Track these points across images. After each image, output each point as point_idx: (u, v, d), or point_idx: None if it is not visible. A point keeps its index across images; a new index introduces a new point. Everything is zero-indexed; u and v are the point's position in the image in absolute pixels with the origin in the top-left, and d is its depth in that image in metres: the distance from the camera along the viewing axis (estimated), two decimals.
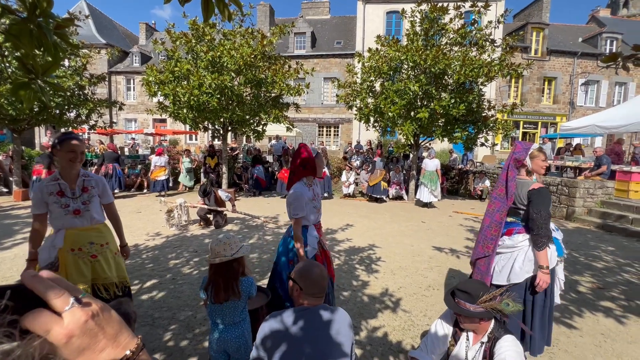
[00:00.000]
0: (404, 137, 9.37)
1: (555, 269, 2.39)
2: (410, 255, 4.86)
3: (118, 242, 2.49)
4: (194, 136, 22.12)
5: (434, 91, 8.68)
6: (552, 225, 2.34)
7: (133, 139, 19.40)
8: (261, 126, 10.02)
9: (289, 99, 10.39)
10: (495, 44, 8.68)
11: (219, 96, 8.13)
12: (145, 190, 10.38)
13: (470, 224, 7.13)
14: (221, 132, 9.86)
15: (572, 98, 19.75)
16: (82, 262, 2.14)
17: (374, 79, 9.57)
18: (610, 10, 25.84)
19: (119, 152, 12.05)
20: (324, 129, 21.13)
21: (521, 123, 19.86)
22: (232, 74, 8.30)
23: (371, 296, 3.45)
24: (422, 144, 10.56)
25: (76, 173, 2.18)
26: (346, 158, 13.06)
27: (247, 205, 8.42)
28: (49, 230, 2.23)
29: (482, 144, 9.49)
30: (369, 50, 9.57)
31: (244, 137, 14.25)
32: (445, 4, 8.63)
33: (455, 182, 12.31)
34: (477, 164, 14.10)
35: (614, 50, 19.56)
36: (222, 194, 6.53)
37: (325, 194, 10.21)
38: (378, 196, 9.86)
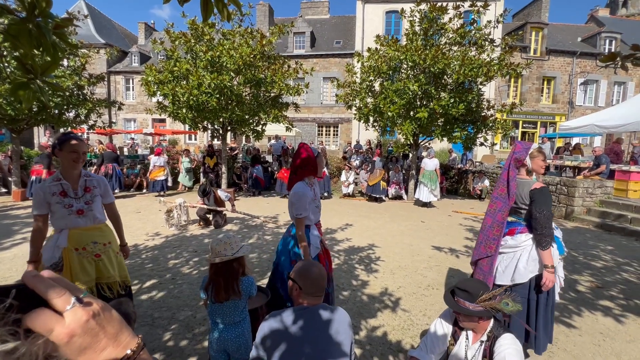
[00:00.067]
0: (404, 136, 9.38)
1: (556, 267, 2.40)
2: (410, 254, 4.87)
3: (118, 242, 2.49)
4: (193, 136, 22.10)
5: (433, 91, 8.69)
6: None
7: (132, 138, 19.37)
8: (260, 126, 10.01)
9: (288, 99, 10.39)
10: (494, 44, 8.69)
11: (218, 96, 8.12)
12: (144, 190, 10.37)
13: (470, 223, 7.14)
14: (220, 132, 9.86)
15: (571, 97, 19.78)
16: (86, 262, 2.15)
17: (373, 78, 9.57)
18: (609, 9, 25.90)
19: (118, 152, 12.04)
20: (324, 128, 21.13)
21: (520, 123, 19.89)
22: (232, 73, 8.29)
23: (371, 296, 3.46)
24: (422, 143, 10.56)
25: (78, 173, 2.19)
26: (345, 158, 13.07)
27: (247, 205, 8.42)
28: (49, 231, 2.23)
29: (482, 144, 9.51)
30: (369, 50, 9.57)
31: (244, 137, 14.25)
32: (444, 4, 8.63)
33: (455, 182, 12.32)
34: (477, 163, 14.11)
35: (612, 50, 19.58)
36: (221, 193, 6.52)
37: (325, 194, 10.23)
38: (377, 196, 9.87)
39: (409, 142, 10.03)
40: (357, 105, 9.88)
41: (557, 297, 2.52)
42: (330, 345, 1.33)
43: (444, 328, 1.80)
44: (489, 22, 8.43)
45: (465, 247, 5.28)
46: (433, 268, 4.33)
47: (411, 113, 9.06)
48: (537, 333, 2.27)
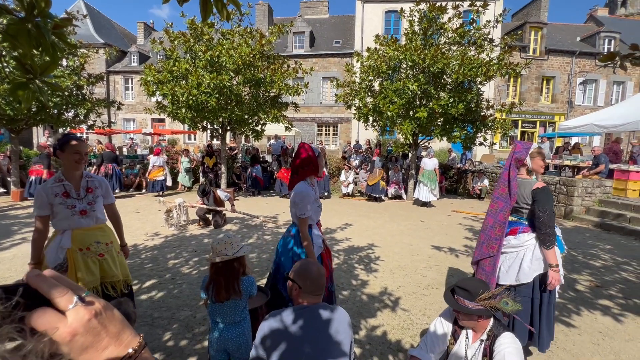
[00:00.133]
0: (403, 136, 9.38)
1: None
2: (409, 254, 4.87)
3: (118, 242, 2.50)
4: (192, 136, 22.09)
5: (432, 90, 8.69)
6: None
7: (131, 138, 19.34)
8: (260, 126, 10.01)
9: (287, 99, 10.38)
10: (493, 44, 8.70)
11: (217, 96, 8.12)
12: (143, 190, 10.36)
13: (469, 223, 7.15)
14: (220, 131, 9.85)
15: (570, 97, 19.81)
16: (90, 261, 2.17)
17: (372, 78, 9.57)
18: (608, 9, 25.95)
19: (117, 152, 12.03)
20: (323, 128, 21.13)
21: (520, 122, 19.92)
22: (231, 73, 8.28)
23: (370, 295, 3.46)
24: (421, 143, 10.57)
25: (80, 174, 2.21)
26: (345, 157, 13.07)
27: (246, 205, 8.42)
28: (49, 232, 2.23)
29: (481, 143, 9.52)
30: (368, 49, 9.57)
31: (243, 137, 14.24)
32: (443, 4, 8.63)
33: (454, 182, 12.33)
34: (476, 163, 14.12)
35: (612, 50, 19.55)
36: (221, 193, 6.52)
37: (326, 193, 10.24)
38: (377, 195, 9.87)
39: (408, 142, 10.03)
40: (357, 105, 9.88)
41: (557, 295, 2.54)
42: (330, 344, 1.33)
43: (444, 327, 1.80)
44: (488, 21, 8.44)
45: (464, 247, 5.29)
46: (432, 267, 4.34)
47: (410, 113, 9.07)
48: (541, 331, 2.29)
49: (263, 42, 8.55)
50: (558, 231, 2.57)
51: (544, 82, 19.99)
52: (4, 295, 0.37)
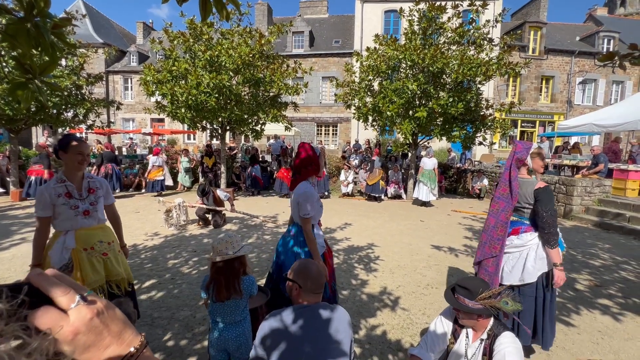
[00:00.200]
0: (403, 136, 9.38)
1: None
2: (409, 254, 4.87)
3: (118, 242, 2.50)
4: (192, 136, 22.07)
5: (432, 90, 8.70)
6: None
7: (131, 138, 19.32)
8: (259, 125, 10.00)
9: (287, 98, 10.38)
10: (493, 43, 8.70)
11: (217, 95, 8.11)
12: (143, 190, 10.35)
13: (469, 222, 7.15)
14: (219, 131, 9.84)
15: (569, 97, 19.82)
16: (95, 261, 2.19)
17: (372, 78, 9.57)
18: (607, 9, 25.97)
19: (117, 151, 12.02)
20: (323, 128, 21.12)
21: (519, 122, 19.93)
22: (230, 73, 8.27)
23: (370, 295, 3.46)
24: (421, 143, 10.58)
25: (82, 174, 2.22)
26: (345, 157, 13.07)
27: (246, 205, 8.42)
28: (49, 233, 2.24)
29: (480, 143, 9.52)
30: (367, 49, 9.56)
31: (242, 137, 14.23)
32: (443, 3, 8.63)
33: (454, 181, 12.34)
34: (475, 162, 14.13)
35: (611, 49, 19.62)
36: (220, 193, 6.52)
37: (326, 193, 10.24)
38: (376, 195, 9.88)
39: (408, 142, 10.04)
40: (356, 104, 9.88)
41: (556, 293, 2.56)
42: (330, 344, 1.33)
43: (444, 326, 1.80)
44: (488, 21, 8.44)
45: (464, 246, 5.30)
46: (432, 267, 4.34)
47: (410, 112, 9.07)
48: (544, 329, 2.31)
49: (262, 41, 8.55)
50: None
51: (543, 81, 20.01)
52: (10, 293, 0.37)
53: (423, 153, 9.98)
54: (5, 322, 0.35)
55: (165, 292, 3.38)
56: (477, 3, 8.15)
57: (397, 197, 10.40)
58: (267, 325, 1.36)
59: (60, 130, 10.11)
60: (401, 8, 9.65)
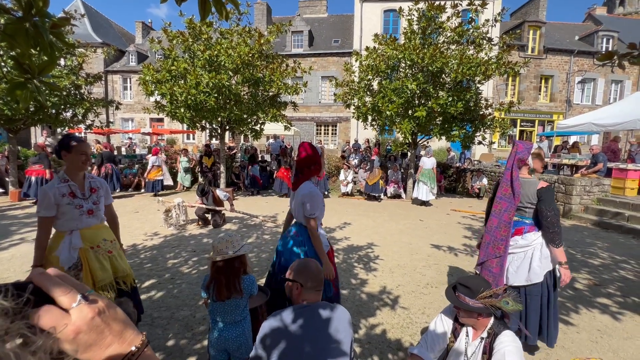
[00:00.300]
0: (402, 135, 9.38)
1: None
2: (409, 253, 4.88)
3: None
4: (191, 135, 22.04)
5: (431, 89, 8.70)
6: None
7: (130, 138, 19.29)
8: (259, 125, 9.99)
9: (286, 98, 10.37)
10: (492, 42, 8.70)
11: (216, 95, 8.10)
12: (142, 190, 10.34)
13: (468, 222, 7.16)
14: (219, 131, 9.83)
15: (568, 96, 19.84)
16: (102, 258, 2.22)
17: (371, 77, 9.57)
18: (606, 8, 25.99)
19: (116, 151, 12.00)
20: (322, 127, 21.12)
21: (518, 121, 19.95)
22: (230, 72, 8.26)
23: (370, 294, 3.47)
24: (420, 142, 10.58)
25: (83, 174, 2.24)
26: (344, 157, 13.07)
27: (246, 205, 8.41)
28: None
29: (480, 142, 9.53)
30: (367, 48, 9.56)
31: (242, 136, 14.21)
32: (442, 3, 8.63)
33: (453, 180, 12.35)
34: (475, 162, 14.14)
35: (610, 49, 19.66)
36: (220, 193, 6.51)
37: (325, 192, 10.24)
38: (376, 194, 9.88)
39: (407, 141, 10.04)
40: (356, 104, 9.88)
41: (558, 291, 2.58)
42: (330, 343, 1.33)
43: (444, 325, 1.81)
44: (487, 20, 8.44)
45: (463, 246, 5.30)
46: (432, 266, 4.34)
47: (409, 112, 9.06)
48: (549, 327, 2.34)
49: (262, 41, 8.54)
50: None
51: (543, 81, 20.03)
52: (15, 291, 0.37)
53: (422, 152, 9.99)
54: (11, 320, 0.35)
55: (165, 292, 3.38)
56: (476, 2, 8.14)
57: (397, 196, 10.41)
58: (267, 325, 1.37)
59: (59, 130, 10.08)
60: (400, 7, 9.65)
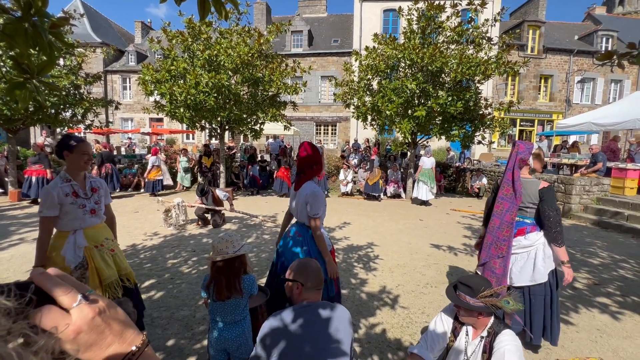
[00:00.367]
0: (402, 135, 9.39)
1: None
2: (408, 253, 4.88)
3: None
4: (191, 135, 22.02)
5: (431, 89, 8.70)
6: None
7: (129, 138, 19.27)
8: (258, 125, 9.99)
9: (286, 98, 10.37)
10: (491, 42, 8.70)
11: (215, 95, 8.09)
12: (142, 190, 10.34)
13: (468, 221, 7.17)
14: (218, 131, 9.83)
15: (568, 96, 19.85)
16: (106, 257, 2.24)
17: (371, 77, 9.56)
18: (605, 8, 25.98)
19: (115, 151, 11.99)
20: (322, 127, 21.11)
21: (518, 121, 19.96)
22: (229, 72, 8.26)
23: (369, 294, 3.47)
24: (420, 142, 10.58)
25: (84, 174, 2.26)
26: (344, 156, 13.07)
27: (245, 204, 8.41)
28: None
29: (479, 142, 9.53)
30: (366, 48, 9.55)
31: (242, 136, 14.20)
32: (442, 2, 8.63)
33: (453, 180, 12.35)
34: (474, 161, 14.15)
35: (609, 48, 19.68)
36: (220, 193, 6.51)
37: (325, 192, 10.24)
38: (376, 194, 9.89)
39: (407, 141, 10.04)
40: (355, 103, 9.88)
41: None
42: (330, 343, 1.33)
43: (444, 324, 1.81)
44: (487, 20, 8.43)
45: (463, 245, 5.30)
46: (431, 266, 4.35)
47: (409, 111, 9.07)
48: (552, 326, 2.36)
49: (261, 41, 8.53)
50: None
51: (542, 80, 20.03)
52: (18, 291, 0.37)
53: (422, 152, 9.99)
54: (13, 320, 0.35)
55: (164, 292, 3.38)
56: (476, 2, 8.14)
57: (396, 196, 10.41)
58: (267, 325, 1.37)
59: (58, 130, 10.07)
60: (400, 7, 9.64)
